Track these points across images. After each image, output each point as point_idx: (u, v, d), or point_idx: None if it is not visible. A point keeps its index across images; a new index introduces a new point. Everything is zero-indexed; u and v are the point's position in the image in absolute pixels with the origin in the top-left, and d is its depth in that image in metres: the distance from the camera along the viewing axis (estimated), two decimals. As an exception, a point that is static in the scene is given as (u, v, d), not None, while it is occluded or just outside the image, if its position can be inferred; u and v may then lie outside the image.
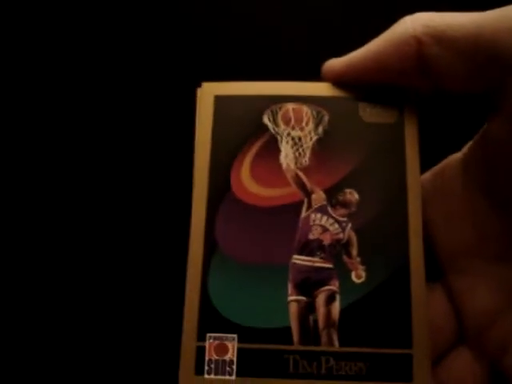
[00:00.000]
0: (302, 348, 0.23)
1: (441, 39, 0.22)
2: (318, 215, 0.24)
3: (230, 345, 0.23)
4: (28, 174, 0.36)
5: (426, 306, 0.23)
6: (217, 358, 0.23)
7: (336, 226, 0.24)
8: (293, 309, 0.23)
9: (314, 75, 0.26)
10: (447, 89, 0.24)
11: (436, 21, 0.22)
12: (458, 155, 0.26)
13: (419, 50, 0.22)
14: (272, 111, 0.25)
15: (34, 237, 0.35)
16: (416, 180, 0.25)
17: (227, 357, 0.23)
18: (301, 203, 0.25)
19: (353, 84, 0.25)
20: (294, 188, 0.25)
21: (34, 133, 0.37)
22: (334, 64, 0.25)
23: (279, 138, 0.25)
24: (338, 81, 0.25)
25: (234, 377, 0.23)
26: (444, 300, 0.26)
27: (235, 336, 0.23)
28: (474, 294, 0.24)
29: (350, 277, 0.24)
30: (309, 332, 0.23)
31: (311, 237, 0.24)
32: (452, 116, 0.33)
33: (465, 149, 0.25)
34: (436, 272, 0.26)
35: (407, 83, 0.24)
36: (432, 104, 0.28)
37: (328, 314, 0.23)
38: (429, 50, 0.22)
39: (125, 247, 0.34)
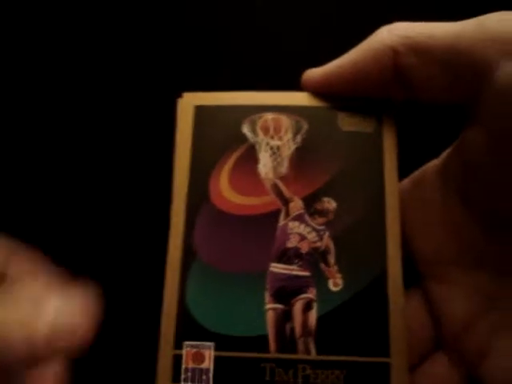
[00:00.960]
0: (278, 356, 0.23)
1: (417, 49, 0.22)
2: (296, 223, 0.25)
3: (206, 353, 0.23)
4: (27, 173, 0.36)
5: (404, 314, 0.23)
6: (193, 366, 0.23)
7: (314, 234, 0.24)
8: (270, 317, 0.23)
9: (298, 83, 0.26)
10: (424, 99, 0.24)
11: (413, 31, 0.22)
12: (435, 162, 0.26)
13: (396, 61, 0.23)
14: (251, 121, 0.26)
15: (38, 237, 0.35)
16: (394, 188, 0.25)
17: (204, 365, 0.23)
18: (279, 212, 0.25)
19: (331, 94, 0.25)
20: (272, 197, 0.25)
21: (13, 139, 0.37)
22: (312, 74, 0.25)
23: (258, 147, 0.26)
24: (316, 90, 0.26)
25: (210, 385, 0.23)
26: (421, 306, 0.26)
27: (212, 344, 0.23)
28: (451, 300, 0.24)
29: (327, 285, 0.24)
30: (285, 340, 0.23)
31: (289, 245, 0.24)
32: (430, 123, 0.33)
33: (443, 156, 0.26)
34: (413, 278, 0.26)
35: (384, 93, 0.25)
36: (410, 111, 0.28)
37: (305, 322, 0.23)
38: (405, 60, 0.22)
39: (103, 255, 0.34)
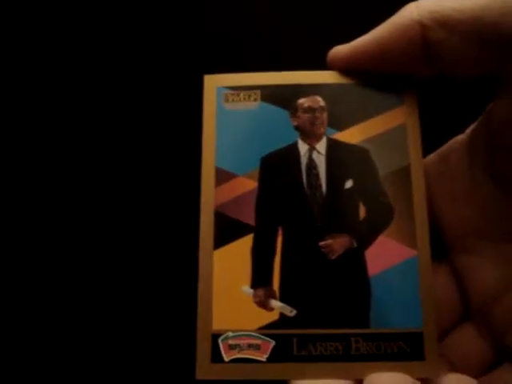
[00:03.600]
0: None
1: (445, 24, 0.22)
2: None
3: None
4: (30, 174, 0.37)
5: (433, 286, 0.24)
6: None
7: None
8: None
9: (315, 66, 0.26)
10: (452, 74, 0.24)
11: (440, 5, 0.22)
12: (462, 137, 0.26)
13: (424, 36, 0.23)
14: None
15: (39, 237, 0.36)
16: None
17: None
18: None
19: (357, 70, 0.25)
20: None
21: (36, 131, 0.37)
22: (338, 51, 0.25)
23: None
24: (342, 68, 0.26)
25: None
26: (449, 278, 0.26)
27: None
28: (480, 272, 0.25)
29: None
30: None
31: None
32: (455, 99, 0.34)
33: (468, 130, 0.26)
34: (441, 251, 0.27)
35: (412, 69, 0.25)
36: (435, 87, 0.28)
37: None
38: (434, 35, 0.22)
39: (133, 239, 0.35)
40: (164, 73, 0.37)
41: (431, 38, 0.23)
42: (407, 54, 0.24)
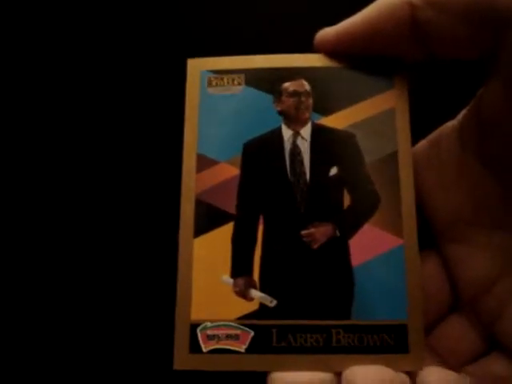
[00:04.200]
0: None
1: (435, 2, 0.21)
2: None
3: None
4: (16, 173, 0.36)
5: (421, 278, 0.23)
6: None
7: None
8: None
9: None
10: (442, 55, 0.23)
11: None
12: (453, 122, 0.25)
13: (413, 15, 0.22)
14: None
15: (25, 236, 0.36)
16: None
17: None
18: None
19: (346, 53, 0.25)
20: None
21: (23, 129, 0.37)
22: (325, 34, 0.25)
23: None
24: (329, 51, 0.25)
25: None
26: (438, 268, 0.25)
27: None
28: (470, 261, 0.24)
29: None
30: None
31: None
32: (446, 83, 0.32)
33: (459, 116, 0.25)
34: (430, 240, 0.26)
35: (401, 50, 0.24)
36: (426, 72, 0.27)
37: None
38: (423, 14, 0.22)
39: (116, 233, 0.35)
40: (147, 57, 0.36)
41: (420, 18, 0.22)
42: (396, 35, 0.23)
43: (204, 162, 0.25)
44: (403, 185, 0.24)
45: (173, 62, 0.27)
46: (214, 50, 0.26)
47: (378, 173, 0.24)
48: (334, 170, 0.24)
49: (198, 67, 0.26)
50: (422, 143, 0.26)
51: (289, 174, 0.24)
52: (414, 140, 0.25)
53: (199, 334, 0.23)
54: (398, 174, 0.24)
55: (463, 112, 0.25)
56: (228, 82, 0.26)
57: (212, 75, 0.26)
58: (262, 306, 0.23)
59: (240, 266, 0.23)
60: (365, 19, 0.23)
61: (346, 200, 0.24)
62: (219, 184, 0.24)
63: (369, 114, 0.25)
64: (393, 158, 0.24)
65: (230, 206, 0.24)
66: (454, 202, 0.25)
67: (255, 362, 0.23)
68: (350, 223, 0.24)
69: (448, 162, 0.25)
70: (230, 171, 0.25)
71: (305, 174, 0.24)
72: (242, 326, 0.23)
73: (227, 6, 0.37)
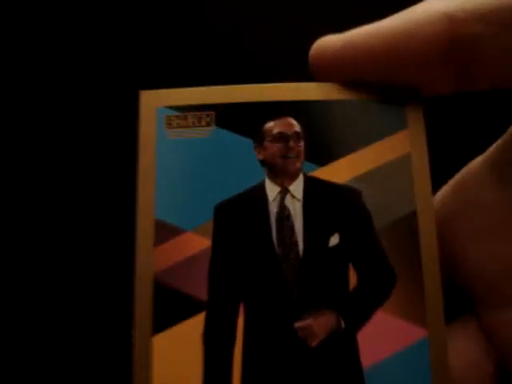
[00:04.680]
0: None
1: (485, 15, 0.16)
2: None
3: None
4: None
5: (450, 376, 0.18)
6: None
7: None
8: None
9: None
10: (487, 83, 0.18)
11: None
12: (480, 159, 0.20)
13: (452, 31, 0.17)
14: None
15: None
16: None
17: None
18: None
19: (349, 77, 0.19)
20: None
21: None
22: (327, 43, 0.19)
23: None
24: (331, 69, 0.19)
25: None
26: (476, 342, 0.20)
27: None
28: None
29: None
30: None
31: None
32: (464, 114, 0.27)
33: (492, 149, 0.20)
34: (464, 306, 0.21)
35: (427, 78, 0.18)
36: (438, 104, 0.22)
37: None
38: (466, 29, 0.17)
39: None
40: (96, 88, 0.29)
41: (462, 34, 0.17)
42: (427, 56, 0.17)
43: (164, 232, 0.19)
44: (425, 255, 0.19)
45: (126, 95, 0.21)
46: (177, 80, 0.20)
47: (392, 241, 0.19)
48: (334, 239, 0.19)
49: (153, 102, 0.20)
50: (444, 190, 0.21)
51: (276, 246, 0.19)
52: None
53: None
54: (419, 242, 0.19)
55: (497, 144, 0.20)
56: (194, 123, 0.20)
57: (172, 113, 0.20)
58: (246, 427, 0.18)
59: (215, 374, 0.18)
60: (383, 30, 0.18)
61: (352, 279, 0.18)
62: (185, 261, 0.19)
63: (378, 162, 0.19)
64: (411, 220, 0.19)
65: (200, 291, 0.18)
66: (497, 254, 0.19)
67: None
68: (358, 311, 0.18)
69: (481, 207, 0.20)
70: (198, 243, 0.19)
71: (296, 245, 0.19)
72: None
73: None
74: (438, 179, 0.21)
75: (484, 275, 0.20)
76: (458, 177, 0.21)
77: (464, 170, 0.21)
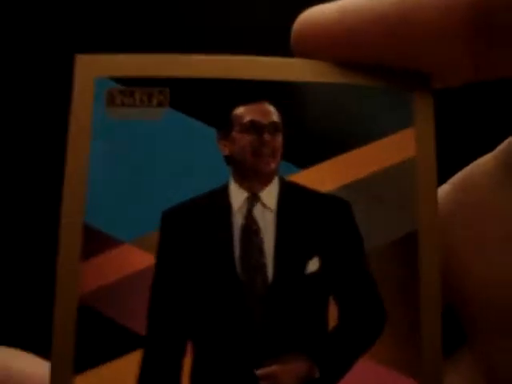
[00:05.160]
0: None
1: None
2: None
3: None
4: None
5: None
6: None
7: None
8: None
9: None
10: None
11: None
12: (488, 158, 0.18)
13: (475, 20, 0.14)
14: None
15: None
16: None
17: None
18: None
19: (344, 55, 0.15)
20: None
21: None
22: (318, 13, 0.15)
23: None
24: (323, 47, 0.15)
25: None
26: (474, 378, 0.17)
27: None
28: None
29: None
30: None
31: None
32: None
33: (501, 147, 0.18)
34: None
35: (446, 58, 0.15)
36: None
37: None
38: (493, 19, 0.14)
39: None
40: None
41: (488, 24, 0.14)
42: (447, 29, 0.14)
43: (95, 242, 0.15)
44: (425, 289, 0.15)
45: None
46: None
47: (385, 269, 0.15)
48: (313, 265, 0.15)
49: (91, 70, 0.15)
50: (443, 190, 0.18)
51: (238, 269, 0.15)
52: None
53: None
54: (418, 271, 0.15)
55: (509, 141, 0.17)
56: (142, 101, 0.15)
57: (115, 87, 0.15)
58: None
59: None
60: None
61: (332, 316, 0.15)
62: (120, 282, 0.15)
63: (374, 167, 0.15)
64: (410, 242, 0.15)
65: (137, 323, 0.14)
66: (503, 270, 0.16)
67: None
68: (337, 357, 0.14)
69: (489, 211, 0.17)
70: (138, 259, 0.15)
71: (265, 269, 0.15)
72: None
73: None
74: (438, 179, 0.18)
75: (486, 293, 0.17)
76: (460, 175, 0.18)
77: (469, 169, 0.18)
